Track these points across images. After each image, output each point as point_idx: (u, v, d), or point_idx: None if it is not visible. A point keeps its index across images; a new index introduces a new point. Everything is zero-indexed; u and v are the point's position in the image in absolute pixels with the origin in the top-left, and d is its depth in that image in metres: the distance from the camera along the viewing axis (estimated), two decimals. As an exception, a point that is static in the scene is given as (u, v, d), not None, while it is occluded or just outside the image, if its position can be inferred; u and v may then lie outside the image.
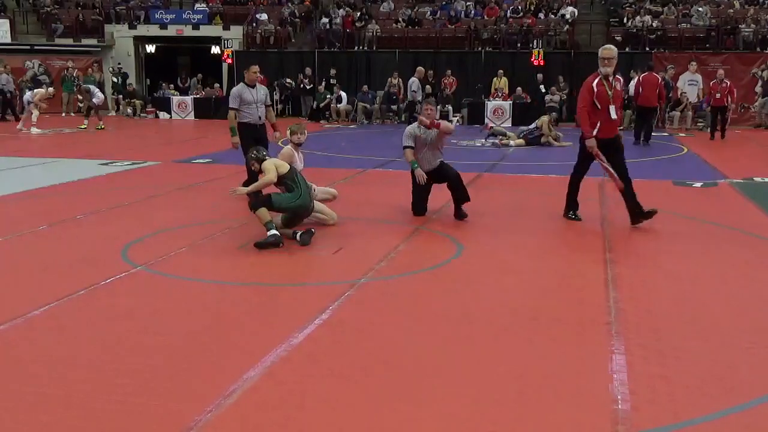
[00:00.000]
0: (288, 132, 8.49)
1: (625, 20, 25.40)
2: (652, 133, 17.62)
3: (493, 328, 5.04)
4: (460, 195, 8.55)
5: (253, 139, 9.45)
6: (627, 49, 23.94)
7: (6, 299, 5.62)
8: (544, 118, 17.20)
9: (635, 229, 8.08)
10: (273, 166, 7.48)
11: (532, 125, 17.27)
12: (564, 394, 3.97)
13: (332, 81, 24.60)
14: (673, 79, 21.89)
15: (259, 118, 9.77)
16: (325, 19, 27.04)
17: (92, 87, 21.32)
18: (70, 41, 28.37)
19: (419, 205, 8.72)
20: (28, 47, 27.70)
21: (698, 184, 11.20)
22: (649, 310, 5.36)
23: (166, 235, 7.71)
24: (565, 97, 23.21)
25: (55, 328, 5.08)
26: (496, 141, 17.11)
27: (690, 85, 21.79)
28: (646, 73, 17.26)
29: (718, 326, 5.13)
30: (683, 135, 19.58)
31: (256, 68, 9.76)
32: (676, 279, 6.23)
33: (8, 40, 27.60)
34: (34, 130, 19.13)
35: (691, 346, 4.70)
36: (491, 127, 19.01)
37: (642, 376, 4.19)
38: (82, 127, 19.83)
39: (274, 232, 7.20)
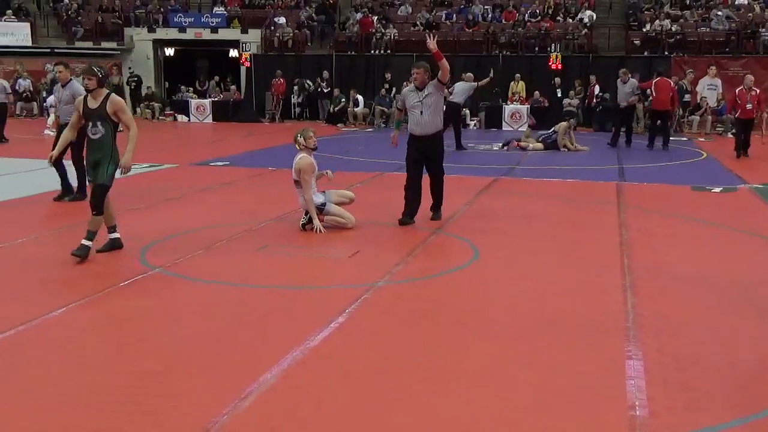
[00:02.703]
0: (302, 138, 8.21)
1: (644, 24, 25.27)
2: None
3: (509, 333, 5.02)
4: (434, 184, 8.54)
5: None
6: (646, 53, 23.85)
7: (24, 300, 5.67)
8: (563, 124, 17.15)
9: (652, 235, 8.03)
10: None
11: (551, 130, 17.24)
12: (581, 400, 3.94)
13: (386, 86, 24.47)
14: (692, 83, 21.79)
15: (62, 118, 9.45)
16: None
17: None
18: (89, 44, 28.58)
19: (410, 181, 8.45)
20: (49, 50, 27.94)
21: (717, 189, 11.12)
22: (667, 316, 5.32)
23: (183, 238, 7.75)
24: (580, 101, 23.12)
25: (73, 329, 5.12)
26: (513, 145, 17.05)
27: (709, 89, 21.64)
28: (659, 78, 17.44)
29: (737, 333, 5.08)
30: (702, 140, 19.45)
31: (60, 68, 9.47)
32: (695, 285, 6.18)
33: (29, 43, 27.87)
34: (47, 132, 19.40)
35: (710, 352, 4.66)
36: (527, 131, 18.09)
37: (660, 382, 4.16)
38: None
39: (90, 244, 6.79)
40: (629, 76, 17.73)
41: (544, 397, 3.99)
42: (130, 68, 28.06)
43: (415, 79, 8.48)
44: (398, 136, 8.96)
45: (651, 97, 17.37)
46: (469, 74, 18.08)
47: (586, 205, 10.02)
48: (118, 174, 6.86)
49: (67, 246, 6.88)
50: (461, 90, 17.33)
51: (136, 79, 27.46)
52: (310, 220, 8.05)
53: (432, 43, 8.28)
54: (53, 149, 7.71)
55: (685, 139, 19.57)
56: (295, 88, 25.38)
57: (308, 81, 25.49)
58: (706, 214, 9.23)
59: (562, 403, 3.90)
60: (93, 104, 6.78)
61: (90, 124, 6.76)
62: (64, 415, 3.74)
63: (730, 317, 5.40)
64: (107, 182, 6.80)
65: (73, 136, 7.33)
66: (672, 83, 18.00)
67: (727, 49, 23.90)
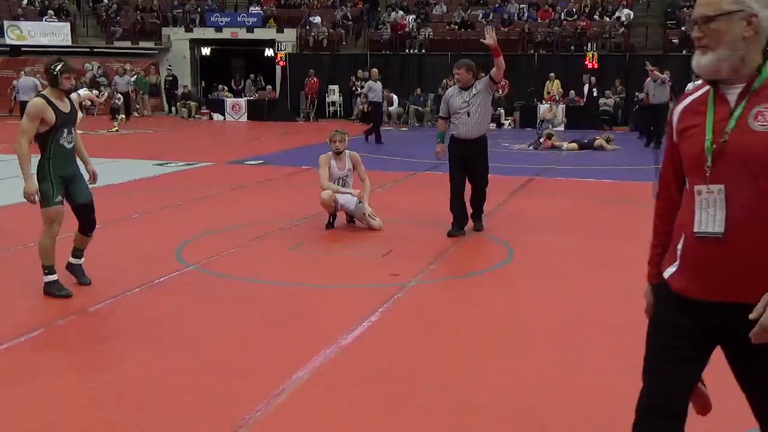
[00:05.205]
0: (328, 139, 8.33)
1: (682, 22, 24.93)
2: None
3: (541, 334, 5.00)
4: (477, 194, 7.96)
5: None
6: (684, 52, 23.54)
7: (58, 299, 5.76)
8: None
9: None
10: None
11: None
12: (613, 402, 3.91)
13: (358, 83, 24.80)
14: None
15: None
16: None
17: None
18: (128, 44, 29.01)
19: (457, 189, 7.81)
20: (88, 50, 28.39)
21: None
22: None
23: (218, 236, 7.82)
24: (620, 100, 22.91)
25: (109, 324, 5.20)
26: (547, 144, 16.97)
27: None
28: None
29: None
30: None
31: None
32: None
33: (69, 42, 28.35)
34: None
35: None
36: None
37: (695, 385, 4.10)
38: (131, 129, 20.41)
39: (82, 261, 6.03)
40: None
41: (574, 398, 3.96)
42: (169, 67, 28.35)
43: (458, 80, 7.96)
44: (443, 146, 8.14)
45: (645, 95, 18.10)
46: (375, 69, 19.24)
47: (621, 205, 9.92)
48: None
49: (98, 246, 6.96)
50: (378, 88, 18.28)
51: (171, 78, 27.75)
52: (331, 222, 8.13)
53: (492, 38, 7.61)
54: None
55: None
56: (358, 83, 25.34)
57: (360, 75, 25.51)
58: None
59: (593, 405, 3.87)
60: (65, 107, 5.62)
61: (65, 131, 5.60)
62: (98, 410, 3.80)
63: None
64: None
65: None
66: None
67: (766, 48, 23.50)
